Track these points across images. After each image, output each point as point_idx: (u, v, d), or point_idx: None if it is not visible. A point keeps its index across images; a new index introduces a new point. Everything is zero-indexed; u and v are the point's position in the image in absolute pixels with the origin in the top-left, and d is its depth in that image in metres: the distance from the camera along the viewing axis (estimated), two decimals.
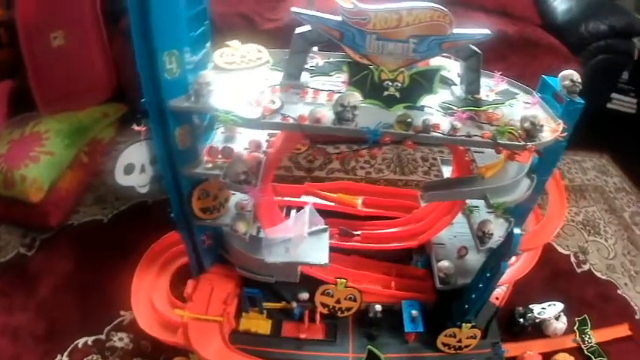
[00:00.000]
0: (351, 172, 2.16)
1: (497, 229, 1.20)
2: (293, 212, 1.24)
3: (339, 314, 1.27)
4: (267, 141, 1.11)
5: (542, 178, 1.15)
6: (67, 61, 1.77)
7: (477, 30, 0.90)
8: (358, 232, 1.37)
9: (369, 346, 1.22)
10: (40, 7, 1.67)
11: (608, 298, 1.73)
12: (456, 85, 1.04)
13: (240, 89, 0.95)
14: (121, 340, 1.39)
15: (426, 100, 0.96)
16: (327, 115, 0.89)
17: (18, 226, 1.72)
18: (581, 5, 2.24)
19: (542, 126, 0.93)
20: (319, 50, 1.09)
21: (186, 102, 0.94)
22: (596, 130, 2.34)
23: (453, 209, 1.26)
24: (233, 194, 1.19)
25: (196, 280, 1.30)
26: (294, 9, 0.88)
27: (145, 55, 0.89)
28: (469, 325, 1.23)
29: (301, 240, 1.10)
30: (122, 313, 1.44)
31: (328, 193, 1.46)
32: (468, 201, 1.26)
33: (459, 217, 1.33)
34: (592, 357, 1.49)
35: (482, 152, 1.14)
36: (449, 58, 1.03)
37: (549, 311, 1.51)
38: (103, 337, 1.39)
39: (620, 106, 2.76)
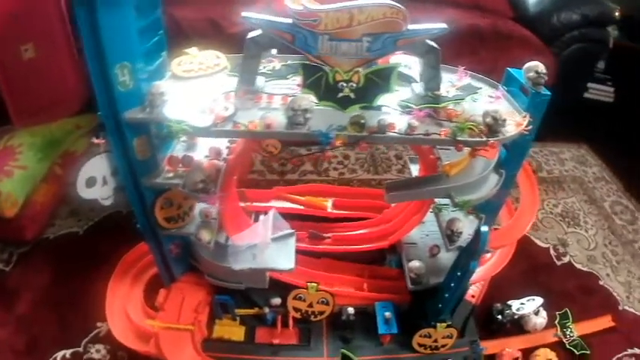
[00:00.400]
0: (323, 174, 2.13)
1: (468, 227, 1.19)
2: (262, 217, 1.23)
3: (312, 318, 1.26)
4: (227, 147, 1.09)
5: (511, 172, 1.13)
6: (39, 74, 1.75)
7: (433, 25, 0.88)
8: (328, 235, 1.36)
9: (343, 350, 1.21)
10: (9, 20, 1.66)
11: (589, 289, 1.73)
12: (417, 82, 1.02)
13: (196, 97, 0.94)
14: (98, 352, 1.37)
15: (384, 100, 0.95)
16: (278, 120, 0.88)
17: None
18: None
19: (504, 120, 0.91)
20: (278, 53, 1.08)
21: (141, 113, 0.93)
22: (574, 120, 2.35)
23: (423, 208, 1.25)
24: (198, 202, 1.18)
25: (168, 289, 1.29)
26: (244, 13, 0.87)
27: (97, 68, 0.89)
28: (444, 324, 1.22)
29: (266, 246, 1.09)
30: (99, 324, 1.42)
31: (298, 197, 1.45)
32: (437, 199, 1.25)
33: (432, 215, 1.31)
34: (574, 351, 1.48)
35: (448, 150, 1.12)
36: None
37: (528, 306, 1.50)
38: (80, 349, 1.38)
39: (598, 96, 2.76)
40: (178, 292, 1.28)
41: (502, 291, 1.53)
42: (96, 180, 1.05)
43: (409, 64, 1.06)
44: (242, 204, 1.36)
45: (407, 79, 1.03)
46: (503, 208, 1.34)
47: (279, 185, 1.52)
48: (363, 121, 0.88)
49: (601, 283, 1.76)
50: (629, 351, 1.54)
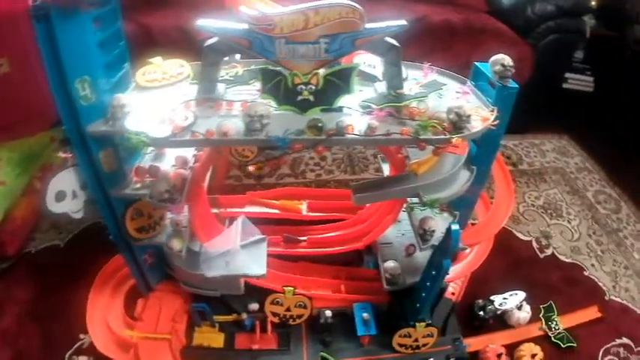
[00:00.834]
0: (300, 176, 2.13)
1: (441, 225, 1.18)
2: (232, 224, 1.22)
3: (290, 322, 1.25)
4: (194, 156, 1.09)
5: (483, 168, 1.12)
6: (14, 88, 1.76)
7: (391, 22, 0.86)
8: (304, 238, 1.35)
9: (322, 353, 1.21)
10: None
11: (574, 281, 1.72)
12: (380, 81, 1.00)
13: (157, 108, 0.93)
14: None
15: (345, 101, 0.94)
16: (235, 128, 0.87)
17: None
18: None
19: (469, 116, 0.90)
20: (241, 58, 1.07)
21: (103, 126, 0.93)
22: (554, 111, 2.35)
23: (395, 208, 1.24)
24: (169, 211, 1.18)
25: (145, 299, 1.29)
26: (198, 22, 0.86)
27: (58, 83, 0.88)
28: (423, 324, 1.22)
29: (238, 252, 1.09)
30: (81, 336, 1.42)
31: (272, 201, 1.44)
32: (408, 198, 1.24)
33: (406, 214, 1.31)
34: (560, 344, 1.47)
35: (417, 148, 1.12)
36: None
37: (511, 301, 1.50)
38: None
39: (577, 86, 2.76)
40: (156, 302, 1.27)
41: (484, 286, 1.53)
42: (65, 194, 1.05)
43: (373, 63, 1.04)
44: (215, 210, 1.36)
45: (371, 79, 1.02)
46: (480, 203, 1.34)
47: (255, 190, 1.52)
48: (320, 124, 0.87)
49: (586, 273, 1.76)
50: (618, 341, 1.54)
